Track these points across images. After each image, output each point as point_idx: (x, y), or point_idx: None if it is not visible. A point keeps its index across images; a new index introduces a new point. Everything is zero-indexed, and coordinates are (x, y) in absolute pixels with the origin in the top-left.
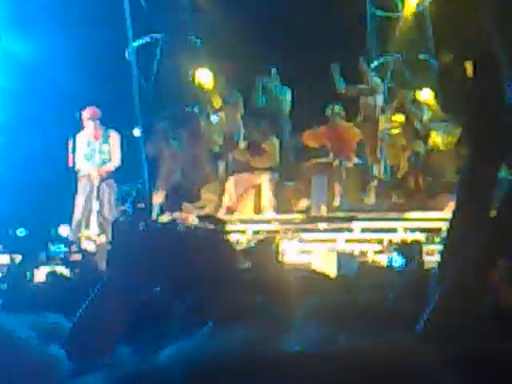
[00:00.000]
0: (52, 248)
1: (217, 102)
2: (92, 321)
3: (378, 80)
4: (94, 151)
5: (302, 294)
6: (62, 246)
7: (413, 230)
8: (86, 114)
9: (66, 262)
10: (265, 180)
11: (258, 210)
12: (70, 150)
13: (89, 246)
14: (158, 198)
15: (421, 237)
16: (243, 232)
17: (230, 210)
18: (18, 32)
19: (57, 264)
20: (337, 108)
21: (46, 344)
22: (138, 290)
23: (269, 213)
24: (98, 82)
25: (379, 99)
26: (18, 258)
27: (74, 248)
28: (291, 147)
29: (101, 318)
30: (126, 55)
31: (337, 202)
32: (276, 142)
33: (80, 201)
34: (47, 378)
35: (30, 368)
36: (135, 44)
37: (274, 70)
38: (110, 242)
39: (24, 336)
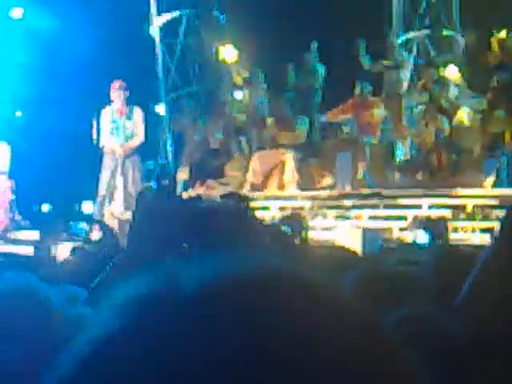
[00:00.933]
0: (73, 226)
1: (240, 78)
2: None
3: (403, 56)
4: (118, 127)
5: (329, 270)
6: (84, 224)
7: (438, 207)
8: (114, 85)
9: (87, 240)
10: (289, 156)
11: (281, 186)
12: (94, 125)
13: (111, 224)
14: (183, 175)
15: (446, 213)
16: (267, 208)
17: (255, 187)
18: (41, 8)
19: (79, 241)
20: (364, 85)
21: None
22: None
23: (293, 189)
24: (122, 59)
25: (404, 75)
26: (43, 233)
27: (95, 227)
28: (318, 124)
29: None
30: (150, 31)
31: (361, 179)
32: (305, 118)
33: (104, 177)
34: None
35: (52, 325)
36: (159, 20)
37: (314, 46)
38: (133, 214)
39: (49, 294)
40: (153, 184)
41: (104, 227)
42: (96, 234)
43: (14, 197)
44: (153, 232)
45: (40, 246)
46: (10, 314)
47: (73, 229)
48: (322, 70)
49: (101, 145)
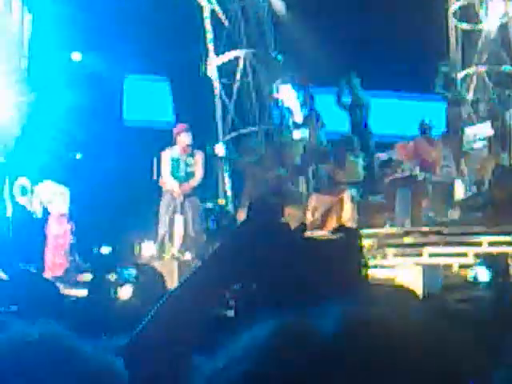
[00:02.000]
0: (122, 271)
1: (299, 117)
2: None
3: (462, 91)
4: (179, 167)
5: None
6: (133, 269)
7: (499, 244)
8: (178, 128)
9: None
10: (347, 194)
11: (340, 224)
12: (155, 165)
13: (169, 265)
14: (243, 215)
15: (507, 250)
16: None
17: (314, 226)
18: (97, 53)
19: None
20: (426, 121)
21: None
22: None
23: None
24: (182, 100)
25: (464, 111)
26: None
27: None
28: (375, 161)
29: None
30: (208, 72)
31: (422, 216)
32: (361, 156)
33: (163, 217)
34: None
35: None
36: (217, 61)
37: (355, 78)
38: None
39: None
40: (211, 224)
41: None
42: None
43: (74, 239)
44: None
45: (93, 289)
46: (32, 363)
47: (121, 274)
48: (369, 100)
49: (160, 183)
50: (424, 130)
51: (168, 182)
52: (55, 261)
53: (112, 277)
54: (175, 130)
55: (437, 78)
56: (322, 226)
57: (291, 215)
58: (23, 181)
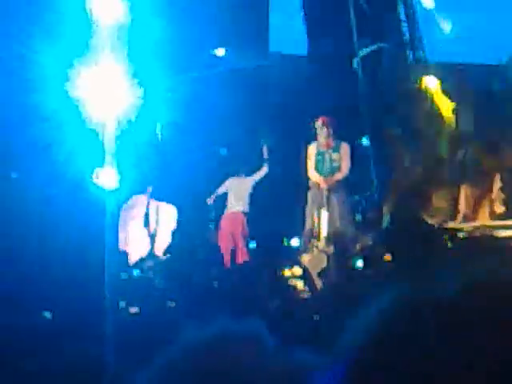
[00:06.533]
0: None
1: (443, 106)
2: None
3: None
4: (324, 160)
5: None
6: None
7: None
8: (319, 121)
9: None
10: (498, 182)
11: (493, 215)
12: (303, 159)
13: (316, 257)
14: (389, 208)
15: None
16: None
17: (467, 217)
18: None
19: None
20: None
21: None
22: None
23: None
24: (327, 95)
25: None
26: None
27: None
28: None
29: None
30: (354, 64)
31: None
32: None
33: (310, 211)
34: None
35: None
36: (361, 54)
37: None
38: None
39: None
40: (358, 217)
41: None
42: None
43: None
44: None
45: None
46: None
47: None
48: None
49: (308, 177)
50: None
51: (313, 176)
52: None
53: None
54: (318, 122)
55: None
56: (474, 217)
57: (438, 208)
58: None
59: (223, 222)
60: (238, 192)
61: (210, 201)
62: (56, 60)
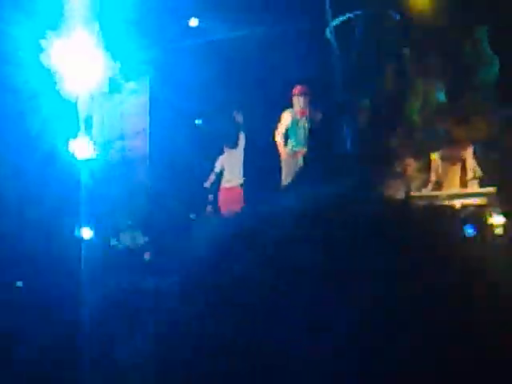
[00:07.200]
0: None
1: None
2: None
3: None
4: (298, 128)
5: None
6: None
7: None
8: (296, 90)
9: None
10: (470, 152)
11: (463, 184)
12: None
13: None
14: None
15: None
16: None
17: (437, 186)
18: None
19: None
20: None
21: None
22: None
23: (475, 187)
24: (302, 63)
25: None
26: None
27: None
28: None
29: None
30: (327, 34)
31: None
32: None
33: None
34: None
35: None
36: (334, 23)
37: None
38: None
39: None
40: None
41: None
42: None
43: None
44: None
45: None
46: None
47: None
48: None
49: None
50: None
51: (278, 144)
52: None
53: None
54: (294, 91)
55: None
56: (445, 185)
57: (413, 176)
58: None
59: (221, 198)
60: (230, 165)
61: (207, 184)
62: (28, 31)
